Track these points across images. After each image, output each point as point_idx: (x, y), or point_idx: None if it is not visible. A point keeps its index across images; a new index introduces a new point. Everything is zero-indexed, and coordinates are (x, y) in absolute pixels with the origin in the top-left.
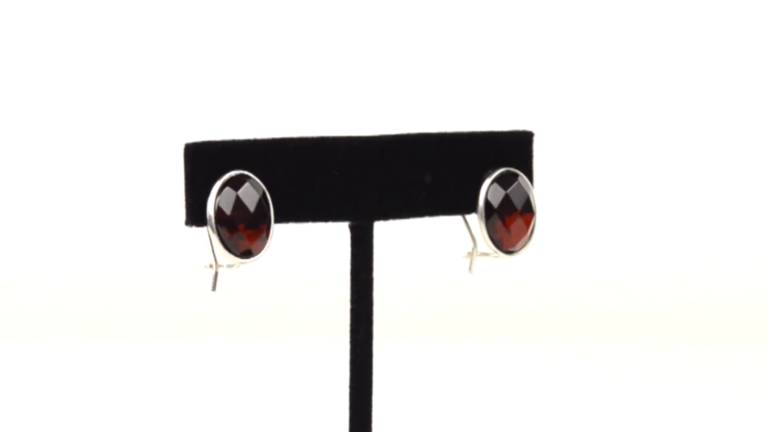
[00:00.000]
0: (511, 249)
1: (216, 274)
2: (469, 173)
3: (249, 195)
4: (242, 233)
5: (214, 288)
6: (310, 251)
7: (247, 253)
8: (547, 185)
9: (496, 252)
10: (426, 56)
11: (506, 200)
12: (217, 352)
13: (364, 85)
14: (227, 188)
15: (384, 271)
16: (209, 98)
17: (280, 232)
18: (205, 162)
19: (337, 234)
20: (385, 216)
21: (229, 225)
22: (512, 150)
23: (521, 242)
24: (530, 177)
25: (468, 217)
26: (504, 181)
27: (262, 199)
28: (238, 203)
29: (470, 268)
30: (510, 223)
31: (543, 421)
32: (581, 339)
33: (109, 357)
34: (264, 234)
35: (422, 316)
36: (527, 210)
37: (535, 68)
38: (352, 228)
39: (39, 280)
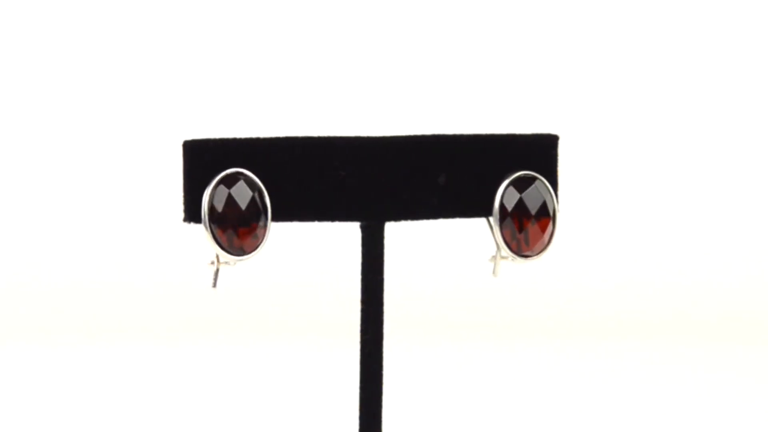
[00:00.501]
0: (526, 253)
1: (217, 270)
2: (487, 176)
3: (241, 193)
4: (233, 230)
5: (214, 285)
6: (320, 251)
7: (239, 251)
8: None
9: (512, 256)
10: (459, 60)
11: (520, 204)
12: (225, 353)
13: (394, 87)
14: (221, 186)
15: (395, 272)
16: (222, 98)
17: (289, 232)
18: (202, 159)
19: (349, 234)
20: (396, 217)
21: (220, 222)
22: (536, 153)
23: (537, 247)
24: (554, 181)
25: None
26: (520, 184)
27: (256, 197)
28: (230, 201)
29: (494, 272)
30: (524, 227)
31: (551, 423)
32: (593, 341)
33: (109, 357)
34: (256, 232)
35: (433, 317)
36: (543, 214)
37: (564, 73)
38: (362, 228)
39: (39, 280)
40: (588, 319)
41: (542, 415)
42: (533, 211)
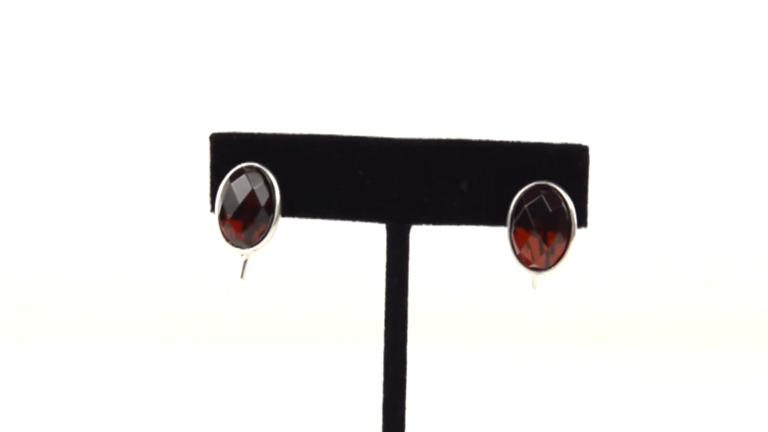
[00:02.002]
0: (533, 266)
1: (245, 262)
2: (511, 185)
3: (241, 187)
4: (229, 222)
5: (242, 276)
6: (347, 253)
7: (243, 243)
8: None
9: (522, 269)
10: (493, 66)
11: (525, 215)
12: (248, 353)
13: (425, 91)
14: (227, 179)
15: (419, 274)
16: (256, 95)
17: (316, 233)
18: (227, 152)
19: (376, 236)
20: (416, 220)
21: (220, 214)
22: (563, 163)
23: (548, 260)
24: (583, 193)
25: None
26: (530, 195)
27: (258, 192)
28: (230, 195)
29: (533, 284)
30: (525, 238)
31: (570, 424)
32: (613, 345)
33: (112, 357)
34: (254, 225)
35: (455, 319)
36: (551, 227)
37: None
38: (388, 230)
39: (40, 280)
40: (608, 323)
41: (560, 416)
42: (537, 223)
